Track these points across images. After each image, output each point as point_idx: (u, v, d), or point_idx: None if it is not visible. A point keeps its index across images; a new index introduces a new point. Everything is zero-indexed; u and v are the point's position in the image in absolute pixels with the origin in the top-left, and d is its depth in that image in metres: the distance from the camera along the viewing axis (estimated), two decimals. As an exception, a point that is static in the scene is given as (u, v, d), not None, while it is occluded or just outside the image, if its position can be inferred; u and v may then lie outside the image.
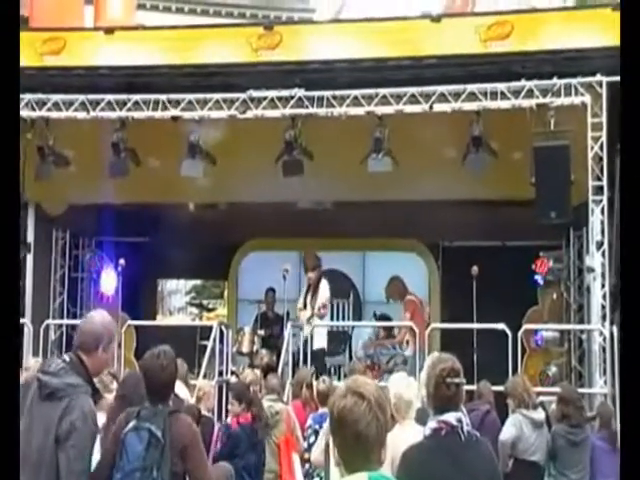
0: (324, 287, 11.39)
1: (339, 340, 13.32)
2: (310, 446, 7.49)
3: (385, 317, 13.16)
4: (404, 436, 4.40)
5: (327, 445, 5.26)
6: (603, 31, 9.58)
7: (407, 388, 5.35)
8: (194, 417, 6.08)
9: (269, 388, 7.99)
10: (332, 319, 13.97)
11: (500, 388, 8.04)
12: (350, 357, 12.84)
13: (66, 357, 4.12)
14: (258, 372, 10.25)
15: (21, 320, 9.54)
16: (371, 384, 2.77)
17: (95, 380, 6.30)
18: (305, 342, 10.68)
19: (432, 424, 3.85)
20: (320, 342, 10.72)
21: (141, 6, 19.34)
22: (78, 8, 15.74)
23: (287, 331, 10.55)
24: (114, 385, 5.82)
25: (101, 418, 5.61)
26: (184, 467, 4.34)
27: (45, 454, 3.93)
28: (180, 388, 6.11)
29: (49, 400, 3.96)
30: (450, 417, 3.81)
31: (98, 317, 4.29)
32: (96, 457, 5.23)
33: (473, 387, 8.00)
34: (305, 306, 11.25)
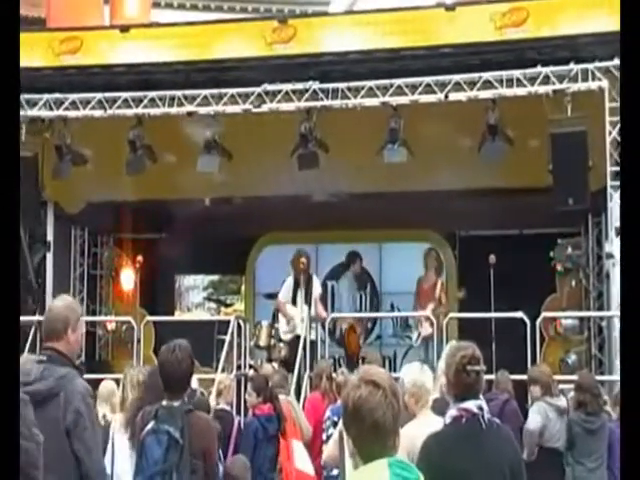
0: (316, 284, 11.18)
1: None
2: (329, 438, 7.48)
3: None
4: (425, 429, 4.16)
5: (341, 436, 5.21)
6: (619, 14, 9.46)
7: (426, 377, 5.30)
8: (206, 411, 6.07)
9: (273, 383, 8.02)
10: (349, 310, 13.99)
11: (519, 377, 7.97)
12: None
13: (41, 357, 4.05)
14: (276, 365, 10.27)
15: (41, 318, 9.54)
16: (383, 372, 2.75)
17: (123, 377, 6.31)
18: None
19: (452, 412, 3.83)
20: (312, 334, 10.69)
21: (156, 4, 19.40)
22: (96, 8, 15.78)
23: (304, 323, 10.55)
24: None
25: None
26: (203, 465, 4.34)
27: (62, 452, 3.88)
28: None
29: (45, 403, 3.87)
30: (471, 405, 3.78)
31: (59, 302, 4.24)
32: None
33: (492, 377, 7.95)
34: (295, 303, 11.07)
